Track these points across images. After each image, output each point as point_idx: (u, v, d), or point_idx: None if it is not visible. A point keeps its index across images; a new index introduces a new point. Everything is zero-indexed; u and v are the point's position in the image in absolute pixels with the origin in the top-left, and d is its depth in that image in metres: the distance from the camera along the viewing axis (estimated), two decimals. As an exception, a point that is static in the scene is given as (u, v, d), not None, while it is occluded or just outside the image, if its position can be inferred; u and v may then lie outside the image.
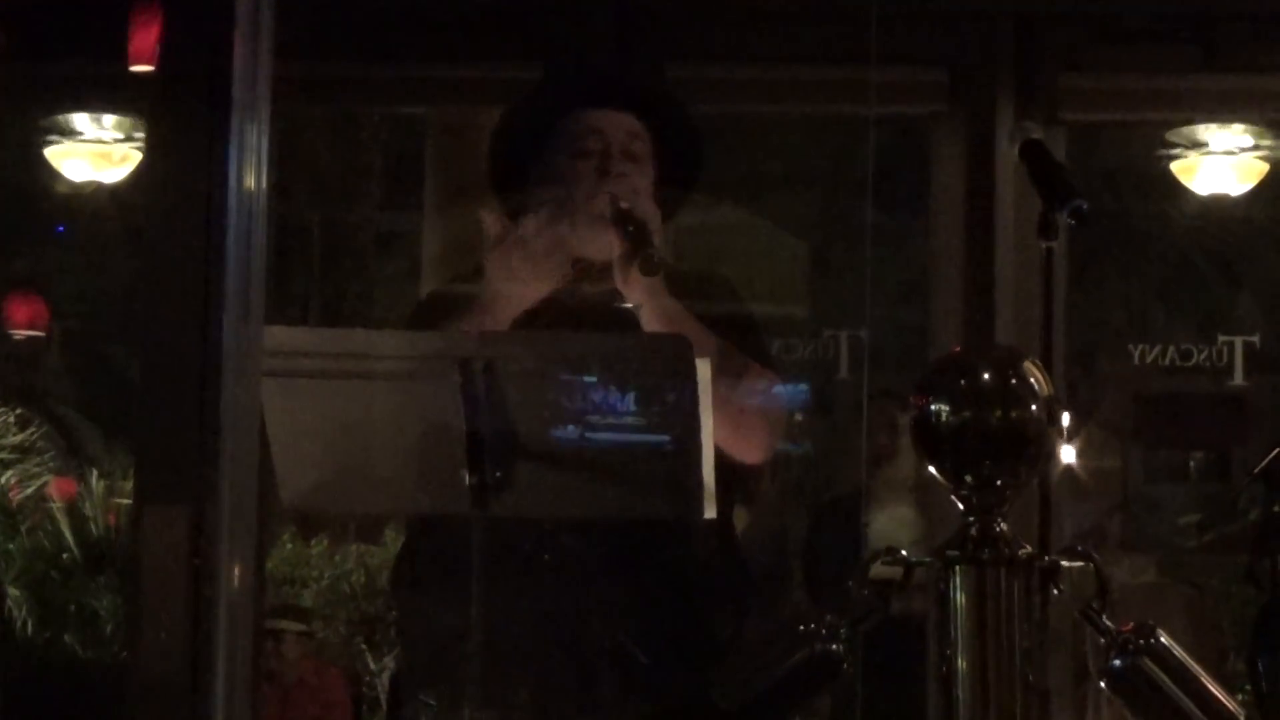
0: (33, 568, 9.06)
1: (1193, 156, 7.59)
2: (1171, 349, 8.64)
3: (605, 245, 3.04)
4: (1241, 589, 8.08)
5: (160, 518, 5.20)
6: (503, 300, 3.04)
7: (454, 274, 3.90)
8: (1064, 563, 2.11)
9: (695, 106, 3.41)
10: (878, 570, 2.14)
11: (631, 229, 2.98)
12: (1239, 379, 8.37)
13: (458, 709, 2.77)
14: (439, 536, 2.98)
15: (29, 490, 9.64)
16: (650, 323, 3.01)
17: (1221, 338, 8.61)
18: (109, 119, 7.49)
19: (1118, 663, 2.13)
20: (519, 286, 3.05)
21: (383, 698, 8.79)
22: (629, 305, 3.02)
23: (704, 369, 2.64)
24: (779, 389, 3.17)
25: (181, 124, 5.28)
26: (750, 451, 3.09)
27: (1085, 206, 2.63)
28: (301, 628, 7.86)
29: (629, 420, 2.65)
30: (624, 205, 3.01)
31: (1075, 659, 4.93)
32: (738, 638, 3.09)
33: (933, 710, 2.07)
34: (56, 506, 9.40)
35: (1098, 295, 10.59)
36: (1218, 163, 7.55)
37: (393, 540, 9.63)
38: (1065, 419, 2.16)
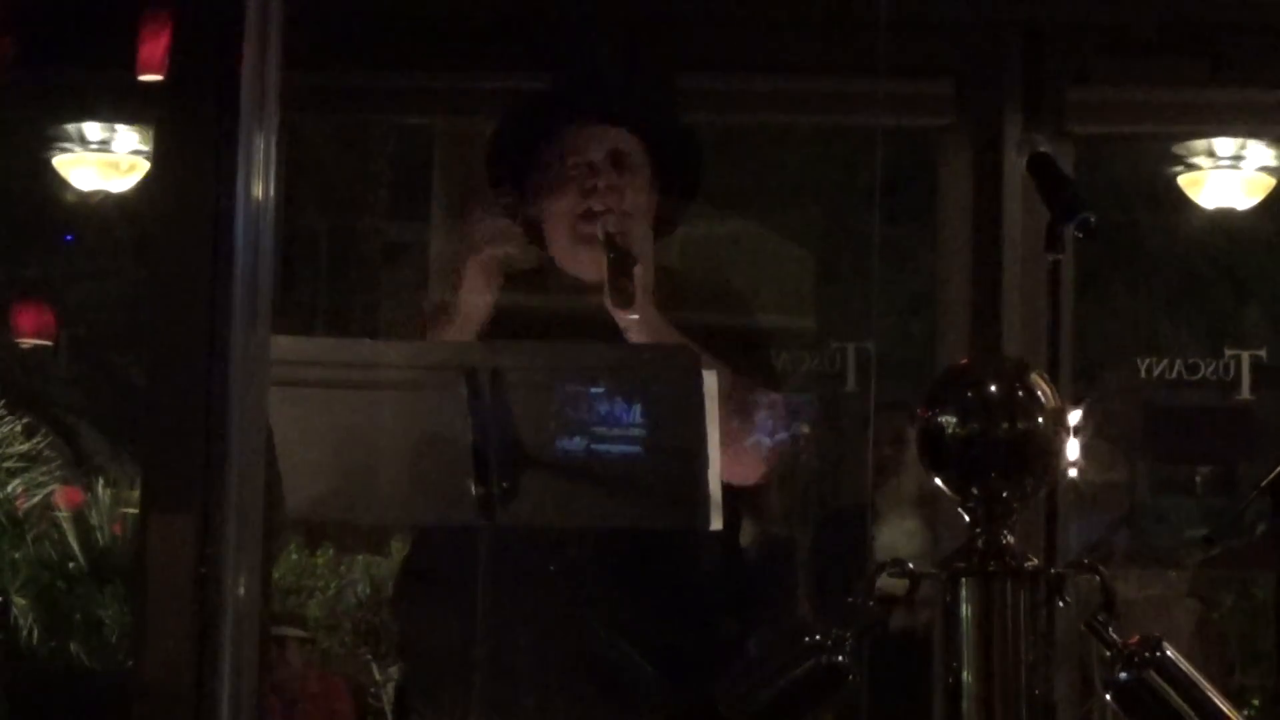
0: (39, 576, 9.06)
1: (1200, 170, 7.58)
2: (1178, 362, 8.63)
3: (591, 265, 3.08)
4: (1247, 603, 8.07)
5: (166, 527, 5.20)
6: (470, 308, 3.08)
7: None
8: (1070, 574, 2.10)
9: (702, 117, 3.42)
10: (883, 582, 2.13)
11: (613, 256, 3.01)
12: (1246, 393, 8.35)
13: (464, 719, 2.77)
14: (443, 548, 2.98)
15: (35, 499, 9.64)
16: (637, 340, 3.03)
17: (1229, 351, 8.59)
18: (117, 128, 7.50)
19: (1124, 676, 2.13)
20: (476, 296, 3.09)
21: (387, 709, 8.78)
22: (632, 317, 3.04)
23: (710, 380, 2.64)
24: (776, 408, 3.17)
25: (190, 133, 5.28)
26: (741, 473, 3.09)
27: (1092, 219, 2.63)
28: (303, 634, 7.87)
29: (635, 431, 2.65)
30: (611, 230, 3.04)
31: (1081, 672, 4.92)
32: (743, 648, 3.09)
33: (938, 722, 2.06)
34: (63, 515, 9.39)
35: (1104, 308, 10.58)
36: (1225, 176, 7.54)
37: (398, 550, 9.62)
38: (1072, 431, 2.15)
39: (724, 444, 2.85)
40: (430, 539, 3.19)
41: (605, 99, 3.29)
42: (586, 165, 3.16)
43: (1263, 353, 8.51)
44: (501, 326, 3.11)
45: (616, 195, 3.14)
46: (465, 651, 2.68)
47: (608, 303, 3.04)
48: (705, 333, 3.06)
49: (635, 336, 3.02)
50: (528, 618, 2.97)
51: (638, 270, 3.03)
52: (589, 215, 3.13)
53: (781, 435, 3.17)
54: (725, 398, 2.86)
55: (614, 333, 3.04)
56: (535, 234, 3.26)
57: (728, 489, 2.89)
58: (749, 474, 3.11)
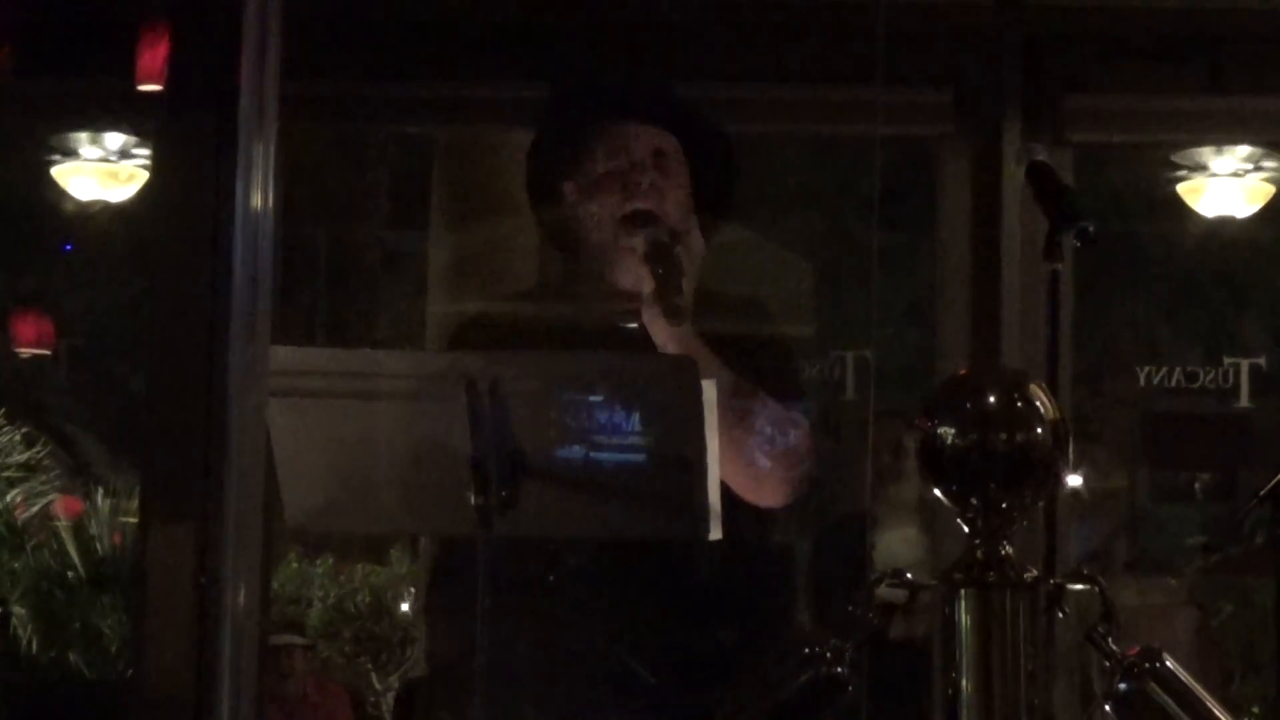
0: (38, 586, 9.08)
1: (1199, 178, 7.59)
2: (1178, 370, 8.64)
3: (629, 272, 3.04)
4: (1247, 610, 8.07)
5: (166, 536, 5.20)
6: None
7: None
8: (1069, 586, 2.10)
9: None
10: (882, 592, 2.13)
11: (661, 271, 2.97)
12: (1245, 400, 8.37)
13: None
14: (459, 557, 2.97)
15: (35, 508, 9.66)
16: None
17: (1228, 359, 8.61)
18: (116, 138, 7.51)
19: (1123, 687, 2.12)
20: None
21: (387, 717, 8.78)
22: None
23: (709, 390, 2.64)
24: (801, 423, 3.13)
25: (188, 143, 5.28)
26: (764, 494, 3.06)
27: (1091, 228, 2.63)
28: (304, 641, 7.86)
29: (634, 440, 2.65)
30: (655, 243, 2.99)
31: (1080, 683, 4.91)
32: (743, 659, 3.08)
33: (938, 733, 2.06)
34: (62, 524, 9.41)
35: (1104, 317, 10.58)
36: (1224, 184, 7.55)
37: (397, 560, 9.63)
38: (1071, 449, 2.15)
39: (746, 463, 2.84)
40: (453, 547, 3.17)
41: (644, 98, 3.26)
42: (630, 163, 3.12)
43: (1262, 361, 8.53)
44: (526, 338, 3.08)
45: (659, 195, 3.10)
46: (468, 660, 2.68)
47: (645, 317, 3.00)
48: (732, 344, 3.04)
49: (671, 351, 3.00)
50: (527, 627, 2.96)
51: (686, 282, 3.00)
52: (630, 220, 3.08)
53: (803, 448, 3.11)
54: (735, 410, 2.84)
55: (642, 344, 3.02)
56: (569, 241, 3.22)
57: (737, 503, 2.88)
58: (768, 493, 3.09)
